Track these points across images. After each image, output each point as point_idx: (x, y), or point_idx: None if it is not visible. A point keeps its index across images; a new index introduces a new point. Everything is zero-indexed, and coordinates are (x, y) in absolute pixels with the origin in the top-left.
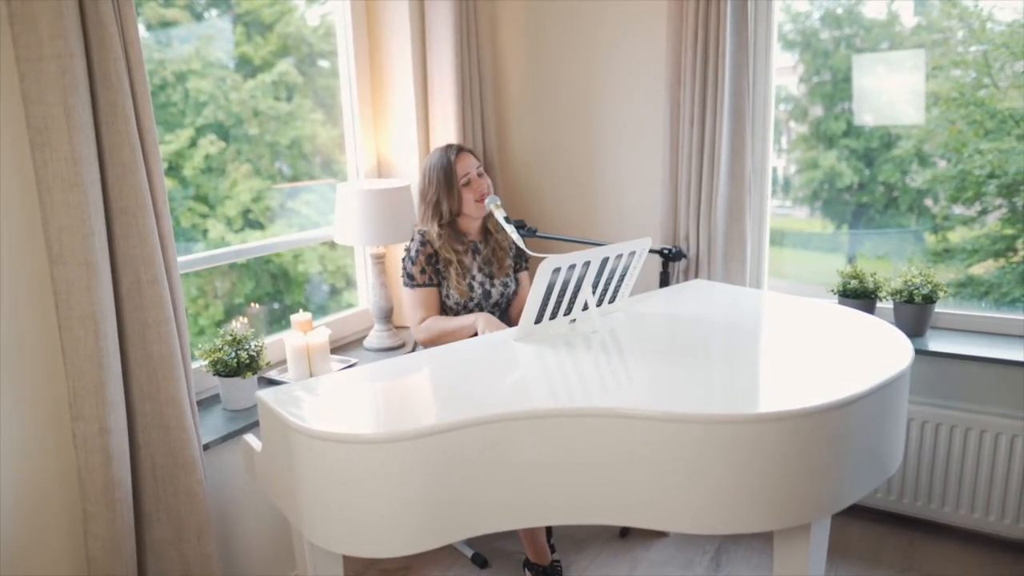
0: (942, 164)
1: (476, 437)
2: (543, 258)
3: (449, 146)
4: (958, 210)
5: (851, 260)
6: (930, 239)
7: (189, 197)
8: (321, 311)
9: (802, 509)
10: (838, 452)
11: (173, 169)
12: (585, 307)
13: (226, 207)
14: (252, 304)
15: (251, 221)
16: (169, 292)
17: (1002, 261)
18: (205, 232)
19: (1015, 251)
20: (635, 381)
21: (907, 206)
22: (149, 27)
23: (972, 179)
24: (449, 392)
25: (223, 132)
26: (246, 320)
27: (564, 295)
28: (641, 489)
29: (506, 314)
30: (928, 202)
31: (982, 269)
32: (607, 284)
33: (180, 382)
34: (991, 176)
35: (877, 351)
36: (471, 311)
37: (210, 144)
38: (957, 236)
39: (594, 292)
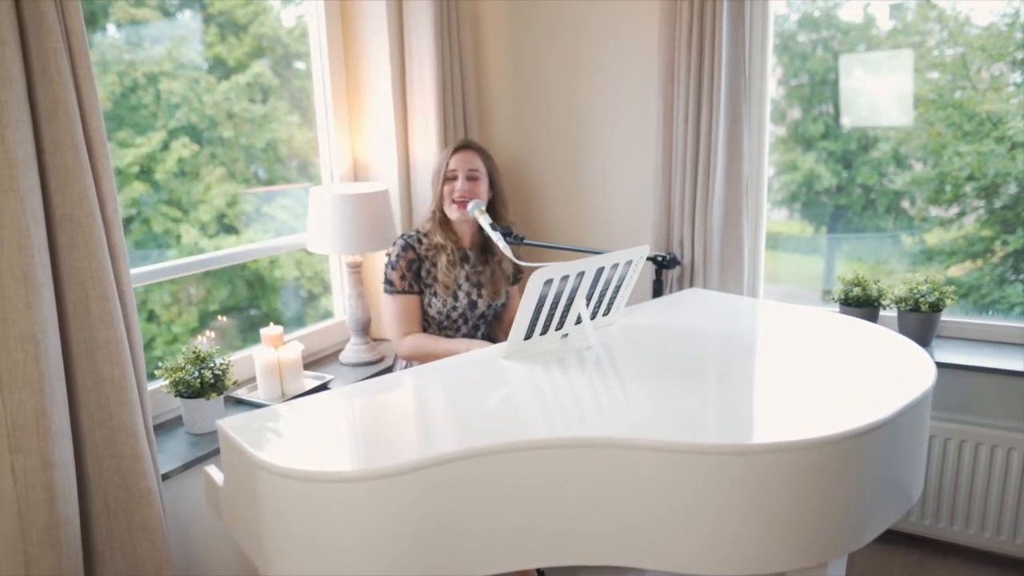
0: (918, 166)
1: (463, 472)
2: (532, 267)
3: (460, 140)
4: (935, 212)
5: (828, 262)
6: (907, 241)
7: (162, 201)
8: (298, 319)
9: (819, 547)
10: (860, 483)
11: (145, 173)
12: (578, 321)
13: (200, 212)
14: (219, 317)
15: (226, 226)
16: (121, 308)
17: (980, 262)
18: (178, 237)
19: (993, 252)
20: (633, 405)
21: (885, 208)
22: (119, 26)
23: (951, 181)
24: (432, 420)
25: (196, 135)
26: (212, 335)
27: (556, 308)
28: (641, 527)
29: (491, 327)
30: (905, 204)
31: (960, 271)
32: (601, 296)
33: (134, 407)
34: (970, 178)
35: (895, 367)
36: (454, 321)
37: (183, 147)
38: (934, 238)
39: (587, 304)
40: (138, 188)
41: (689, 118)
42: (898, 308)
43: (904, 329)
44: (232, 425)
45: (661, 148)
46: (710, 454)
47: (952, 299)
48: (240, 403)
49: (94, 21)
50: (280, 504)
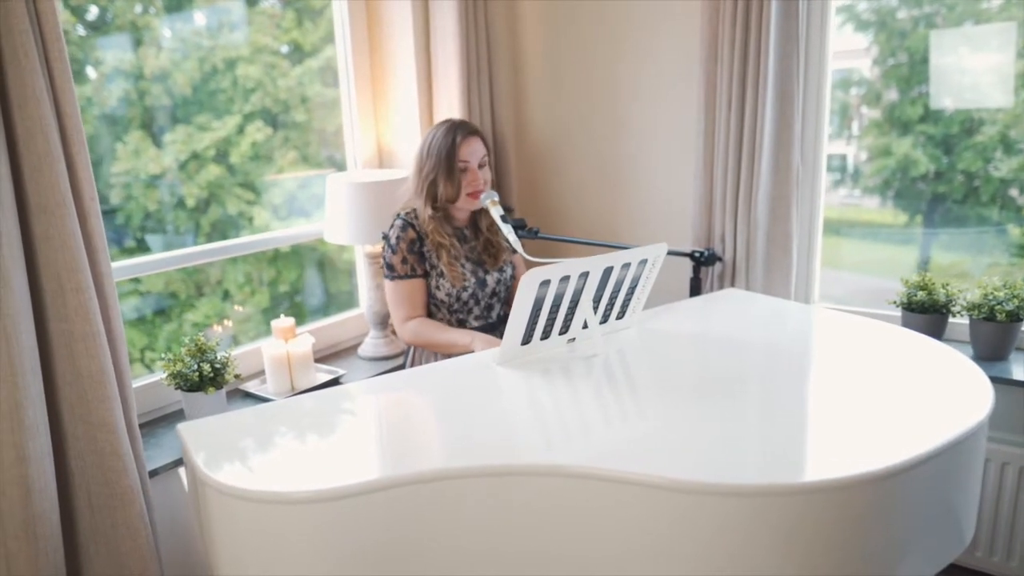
0: None
1: (430, 494)
2: (543, 264)
3: (459, 124)
4: None
5: (923, 253)
6: (1014, 232)
7: (236, 184)
8: (354, 303)
9: None
10: (902, 527)
11: (221, 156)
12: (585, 325)
13: (272, 194)
14: (236, 307)
15: (297, 208)
16: (99, 302)
17: None
18: (251, 220)
19: None
20: (642, 426)
21: (989, 197)
22: (199, 10)
23: None
24: (406, 433)
25: (270, 119)
26: (229, 323)
27: (559, 311)
28: (632, 567)
29: (507, 304)
30: (1013, 192)
31: None
32: (613, 297)
33: (114, 403)
34: None
35: (949, 392)
36: (465, 303)
37: (257, 131)
38: None
39: (597, 307)
40: (213, 171)
41: (733, 100)
42: (970, 316)
43: (976, 340)
44: (189, 432)
45: (702, 133)
46: (734, 496)
47: None
48: (248, 396)
49: (179, 7)
50: (226, 525)
